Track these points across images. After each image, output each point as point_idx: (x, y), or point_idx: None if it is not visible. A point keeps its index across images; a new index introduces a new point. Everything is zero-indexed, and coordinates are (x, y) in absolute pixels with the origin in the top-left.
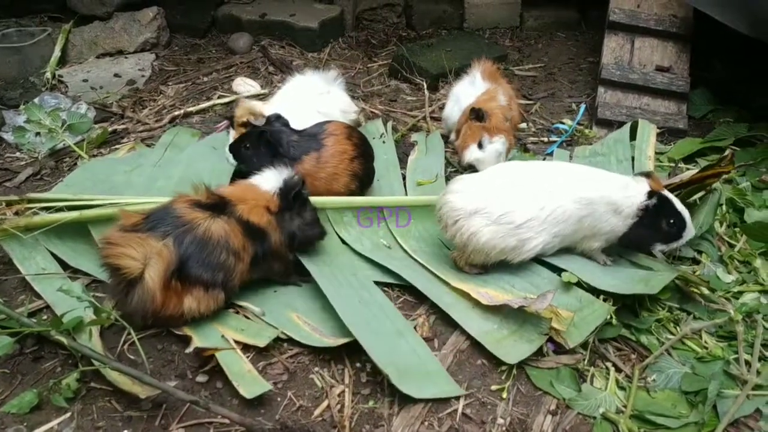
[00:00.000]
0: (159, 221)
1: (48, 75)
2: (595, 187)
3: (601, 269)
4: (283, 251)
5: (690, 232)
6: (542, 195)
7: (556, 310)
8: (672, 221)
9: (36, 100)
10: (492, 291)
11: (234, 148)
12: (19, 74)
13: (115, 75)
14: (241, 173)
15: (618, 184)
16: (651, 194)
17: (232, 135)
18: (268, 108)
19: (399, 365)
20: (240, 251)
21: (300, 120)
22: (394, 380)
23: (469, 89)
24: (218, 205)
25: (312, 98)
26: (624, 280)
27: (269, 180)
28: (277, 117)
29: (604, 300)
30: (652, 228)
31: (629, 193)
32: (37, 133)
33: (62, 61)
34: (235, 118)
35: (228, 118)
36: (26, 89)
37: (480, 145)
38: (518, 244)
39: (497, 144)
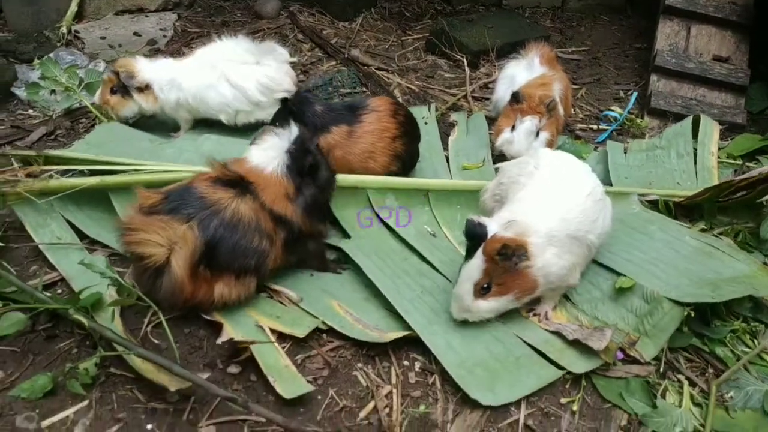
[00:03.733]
0: (180, 202)
1: (63, 30)
2: None
3: (665, 264)
4: (312, 228)
5: None
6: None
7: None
8: None
9: (51, 56)
10: None
11: None
12: (32, 27)
13: (135, 34)
14: None
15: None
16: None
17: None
18: (169, 65)
19: (478, 359)
20: (272, 234)
21: (201, 85)
22: (464, 385)
23: (525, 73)
24: (241, 184)
25: (228, 66)
26: (690, 280)
27: (272, 156)
28: (306, 91)
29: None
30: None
31: None
32: (52, 91)
33: (79, 16)
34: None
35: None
36: (40, 43)
37: (513, 129)
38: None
39: (527, 122)
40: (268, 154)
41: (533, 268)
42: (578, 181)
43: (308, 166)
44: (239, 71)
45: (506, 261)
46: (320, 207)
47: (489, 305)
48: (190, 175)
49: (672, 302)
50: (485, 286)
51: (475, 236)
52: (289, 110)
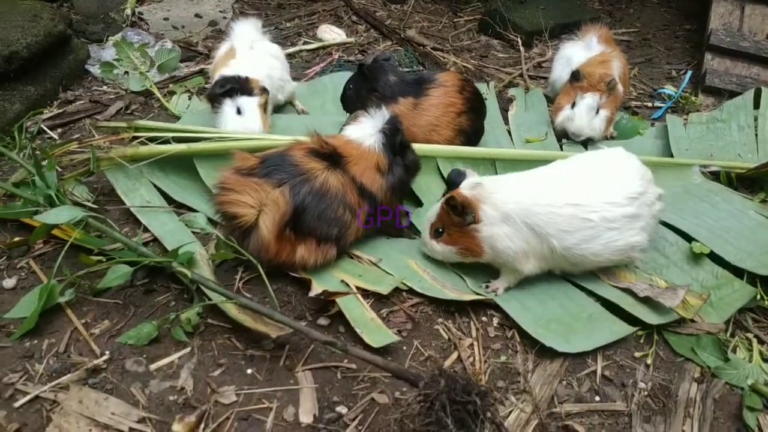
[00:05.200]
0: (275, 168)
1: (128, 11)
2: None
3: (735, 232)
4: (393, 205)
5: None
6: None
7: (685, 299)
8: None
9: (120, 36)
10: None
11: (342, 96)
12: (98, 10)
13: (196, 15)
14: None
15: None
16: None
17: (247, 106)
18: (240, 68)
19: (552, 316)
20: (356, 208)
21: (264, 72)
22: (540, 338)
23: (582, 52)
24: (333, 157)
25: (261, 45)
26: (761, 250)
27: (369, 133)
28: (385, 59)
29: (748, 281)
30: None
31: None
32: (126, 72)
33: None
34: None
35: (221, 94)
36: (107, 24)
37: (573, 106)
38: None
39: (588, 99)
40: (365, 131)
41: (479, 234)
42: (578, 189)
43: (399, 144)
44: (267, 46)
45: (455, 215)
46: (405, 187)
47: (439, 248)
48: (272, 143)
49: (743, 281)
50: (439, 230)
51: (450, 183)
52: (363, 75)
